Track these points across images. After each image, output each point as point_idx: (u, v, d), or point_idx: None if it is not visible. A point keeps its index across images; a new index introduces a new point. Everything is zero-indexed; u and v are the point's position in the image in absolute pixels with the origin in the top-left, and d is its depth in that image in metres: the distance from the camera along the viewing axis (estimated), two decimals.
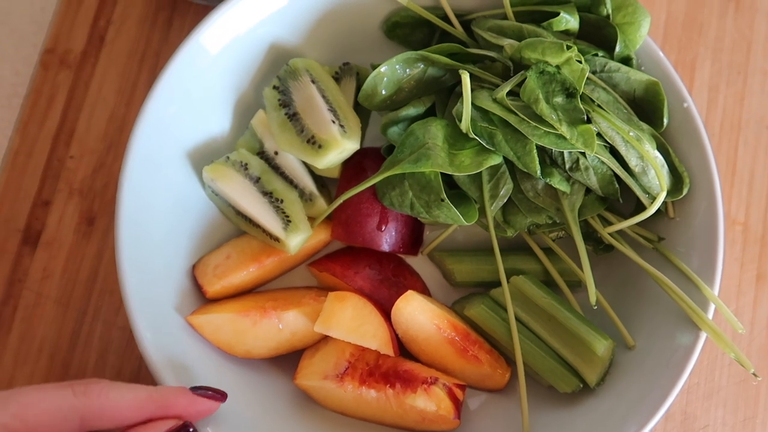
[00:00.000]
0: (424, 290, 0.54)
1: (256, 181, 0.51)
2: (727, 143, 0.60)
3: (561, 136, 0.46)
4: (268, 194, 0.51)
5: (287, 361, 0.51)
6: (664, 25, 0.62)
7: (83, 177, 0.58)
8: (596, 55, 0.48)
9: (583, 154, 0.48)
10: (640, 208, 0.49)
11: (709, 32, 0.62)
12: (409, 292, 0.49)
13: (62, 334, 0.56)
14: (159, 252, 0.49)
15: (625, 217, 0.50)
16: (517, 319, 0.50)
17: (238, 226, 0.53)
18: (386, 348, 0.48)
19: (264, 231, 0.51)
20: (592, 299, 0.47)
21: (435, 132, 0.48)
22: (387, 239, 0.52)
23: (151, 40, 0.61)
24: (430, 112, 0.52)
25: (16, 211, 0.58)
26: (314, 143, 0.49)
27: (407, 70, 0.51)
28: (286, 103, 0.51)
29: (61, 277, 0.57)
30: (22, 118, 0.60)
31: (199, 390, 0.40)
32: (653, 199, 0.48)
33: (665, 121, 0.48)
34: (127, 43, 0.61)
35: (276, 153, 0.53)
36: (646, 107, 0.49)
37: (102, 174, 0.59)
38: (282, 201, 0.51)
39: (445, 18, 0.53)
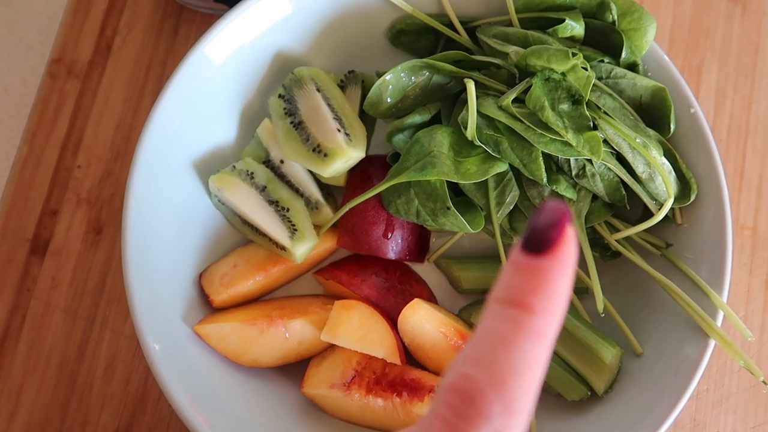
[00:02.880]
0: (430, 297, 0.54)
1: (262, 189, 0.51)
2: (735, 148, 0.60)
3: (567, 144, 0.45)
4: (274, 203, 0.51)
5: (294, 369, 0.51)
6: (670, 30, 0.61)
7: (91, 186, 0.59)
8: (602, 61, 0.48)
9: (590, 161, 0.48)
10: (647, 214, 0.49)
11: (716, 36, 0.61)
12: (416, 300, 0.49)
13: (70, 343, 0.56)
14: (166, 261, 0.49)
15: (632, 224, 0.50)
16: None
17: (244, 235, 0.53)
18: (393, 356, 0.48)
19: (270, 240, 0.51)
20: (600, 307, 0.47)
21: (440, 140, 0.48)
22: (393, 247, 0.52)
23: (157, 48, 0.61)
24: (435, 120, 0.52)
25: (24, 221, 0.58)
26: (320, 152, 0.50)
27: (412, 77, 0.51)
28: (291, 112, 0.51)
29: (69, 287, 0.57)
30: (29, 128, 0.60)
31: None
32: (660, 205, 0.47)
33: (672, 127, 0.48)
34: (133, 52, 0.61)
35: (282, 161, 0.53)
36: (653, 113, 0.49)
37: (109, 183, 0.59)
38: (288, 210, 0.51)
39: (450, 25, 0.53)
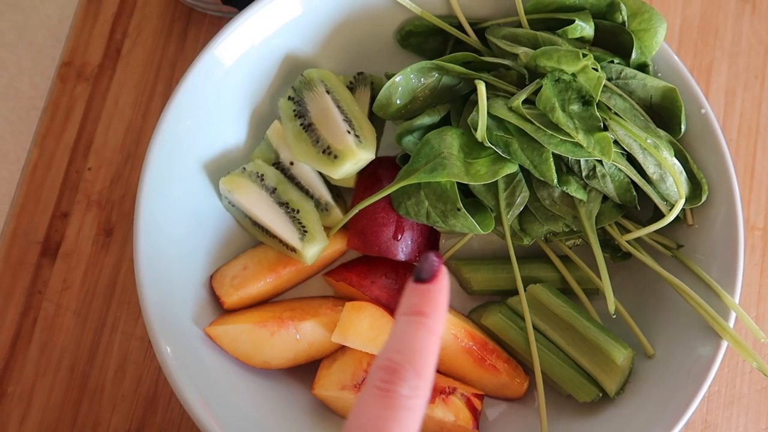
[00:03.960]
0: None
1: (272, 191, 0.52)
2: (745, 148, 0.60)
3: (578, 144, 0.45)
4: (284, 205, 0.51)
5: (305, 371, 0.51)
6: (679, 30, 0.61)
7: (101, 188, 0.59)
8: (612, 61, 0.48)
9: (600, 161, 0.48)
10: (658, 215, 0.49)
11: (725, 36, 0.61)
12: None
13: (82, 344, 0.56)
14: (177, 263, 0.49)
15: (642, 225, 0.50)
16: (535, 328, 0.49)
17: (254, 237, 0.53)
18: None
19: (281, 241, 0.51)
20: (611, 308, 0.46)
21: (450, 141, 0.48)
22: (403, 248, 0.52)
23: (166, 51, 0.62)
24: (444, 121, 0.52)
25: (35, 223, 0.58)
26: (330, 154, 0.50)
27: (422, 79, 0.51)
28: (301, 114, 0.51)
29: (80, 289, 0.57)
30: (40, 131, 0.60)
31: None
32: (671, 206, 0.47)
33: (683, 127, 0.48)
34: (143, 55, 0.61)
35: (291, 163, 0.53)
36: (663, 114, 0.48)
37: (120, 185, 0.59)
38: (298, 211, 0.51)
39: (459, 26, 0.53)
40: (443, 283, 0.34)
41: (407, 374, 0.32)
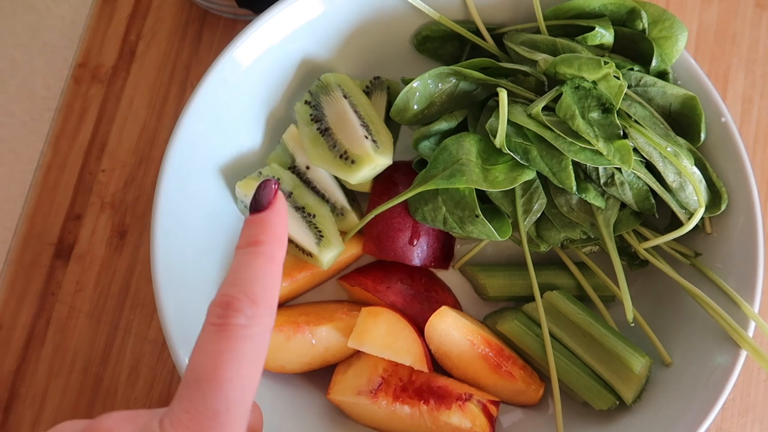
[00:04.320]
0: (455, 304, 0.54)
1: (288, 196, 0.51)
2: (762, 155, 0.60)
3: (597, 152, 0.45)
4: (300, 209, 0.51)
5: (320, 376, 0.51)
6: (695, 36, 0.61)
7: (115, 190, 0.59)
8: (632, 69, 0.48)
9: (619, 169, 0.47)
10: (676, 222, 0.49)
11: (742, 42, 0.61)
12: (443, 308, 0.49)
13: (95, 347, 0.56)
14: (192, 267, 0.49)
15: (660, 232, 0.50)
16: (551, 335, 0.49)
17: None
18: (420, 364, 0.48)
19: (297, 246, 0.51)
20: (629, 316, 0.46)
21: (468, 147, 0.48)
22: (418, 254, 0.51)
23: (180, 53, 0.61)
24: (461, 127, 0.52)
25: (48, 225, 0.58)
26: (347, 159, 0.49)
27: (439, 84, 0.51)
28: (318, 118, 0.51)
29: (94, 291, 0.57)
30: (54, 132, 0.60)
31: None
32: (690, 214, 0.47)
33: (702, 135, 0.48)
34: (157, 57, 0.61)
35: (307, 168, 0.53)
36: (683, 122, 0.48)
37: (133, 187, 0.59)
38: (314, 216, 0.51)
39: (477, 32, 0.52)
40: (279, 209, 0.33)
41: (241, 305, 0.30)
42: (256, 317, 0.31)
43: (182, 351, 0.46)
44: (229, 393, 0.29)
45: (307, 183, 0.53)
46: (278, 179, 0.34)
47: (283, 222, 0.34)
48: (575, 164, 0.47)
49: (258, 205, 0.33)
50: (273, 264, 0.32)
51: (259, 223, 0.33)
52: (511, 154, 0.47)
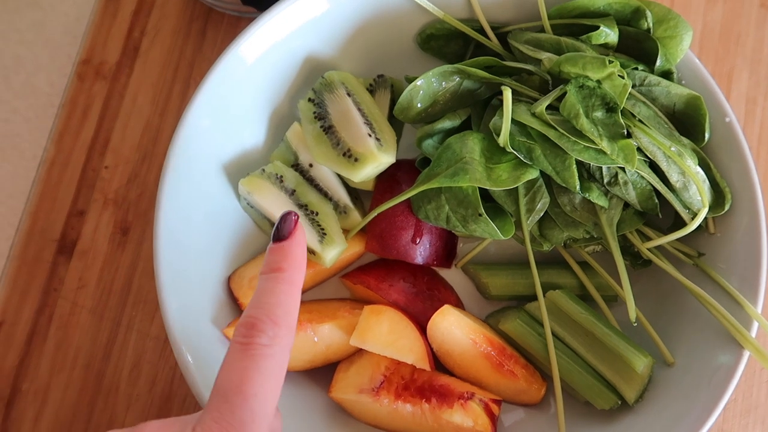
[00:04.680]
0: (458, 303, 0.54)
1: (291, 193, 0.51)
2: (766, 156, 0.59)
3: (601, 151, 0.45)
4: (303, 207, 0.51)
5: (322, 373, 0.51)
6: (700, 36, 0.61)
7: (118, 187, 0.59)
8: (636, 68, 0.48)
9: (622, 168, 0.47)
10: (679, 222, 0.49)
11: (747, 43, 0.61)
12: (446, 306, 0.49)
13: (97, 343, 0.56)
14: (195, 264, 0.49)
15: (663, 232, 0.50)
16: (554, 334, 0.49)
17: None
18: (422, 362, 0.48)
19: None
20: (632, 316, 0.46)
21: (472, 146, 0.48)
22: (421, 252, 0.51)
23: (184, 50, 0.61)
24: (465, 125, 0.52)
25: (51, 221, 0.58)
26: (350, 156, 0.49)
27: (443, 83, 0.50)
28: (321, 116, 0.51)
29: (96, 287, 0.57)
30: (57, 129, 0.60)
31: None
32: (694, 214, 0.47)
33: (706, 135, 0.48)
34: (161, 54, 0.61)
35: (311, 165, 0.53)
36: (687, 122, 0.48)
37: (136, 184, 0.59)
38: (317, 213, 0.51)
39: (481, 30, 0.52)
40: (299, 239, 0.37)
41: (264, 326, 0.34)
42: (278, 337, 0.34)
43: (184, 348, 0.46)
44: (254, 406, 0.33)
45: (310, 181, 0.53)
46: (297, 214, 0.39)
47: (303, 250, 0.37)
48: (579, 163, 0.47)
49: (280, 235, 0.37)
50: (293, 288, 0.36)
51: (281, 252, 0.37)
52: (515, 152, 0.47)
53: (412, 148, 0.55)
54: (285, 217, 0.38)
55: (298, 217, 0.38)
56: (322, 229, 0.50)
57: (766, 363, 0.44)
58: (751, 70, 0.61)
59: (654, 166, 0.47)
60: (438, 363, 0.51)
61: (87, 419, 0.55)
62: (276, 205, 0.51)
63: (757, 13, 0.61)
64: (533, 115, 0.47)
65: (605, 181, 0.48)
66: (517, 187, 0.49)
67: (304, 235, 0.38)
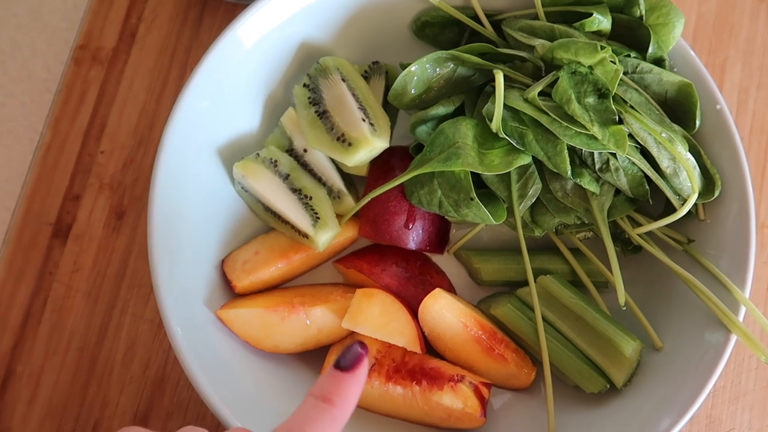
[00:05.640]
0: (450, 288, 0.54)
1: (286, 178, 0.52)
2: (757, 146, 0.60)
3: (592, 137, 0.46)
4: (297, 191, 0.52)
5: (314, 356, 0.52)
6: (694, 27, 0.61)
7: (113, 172, 0.59)
8: (628, 56, 0.48)
9: (614, 155, 0.48)
10: (669, 209, 0.49)
11: (740, 34, 0.61)
12: (437, 290, 0.49)
13: (91, 326, 0.57)
14: (189, 247, 0.49)
15: (654, 218, 0.50)
16: (544, 319, 0.50)
17: (266, 223, 0.53)
18: (413, 345, 0.49)
19: (293, 227, 0.51)
20: (621, 301, 0.47)
21: (465, 131, 0.48)
22: (414, 237, 0.52)
23: (181, 37, 0.62)
24: (459, 112, 0.52)
25: (47, 205, 0.59)
26: (344, 141, 0.50)
27: (437, 69, 0.51)
28: (316, 101, 0.51)
29: (91, 271, 0.58)
30: (53, 114, 0.60)
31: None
32: (684, 200, 0.48)
33: (697, 122, 0.48)
34: (158, 40, 0.61)
35: (305, 150, 0.53)
36: (678, 109, 0.49)
37: (132, 169, 0.59)
38: (311, 198, 0.51)
39: (475, 18, 0.53)
40: (360, 375, 0.35)
41: None
42: None
43: (178, 330, 0.46)
44: None
45: (305, 166, 0.53)
46: (367, 347, 0.36)
47: (360, 387, 0.35)
48: (570, 149, 0.48)
49: (342, 364, 0.35)
50: (335, 424, 0.34)
51: (337, 383, 0.35)
52: (507, 138, 0.48)
53: (406, 135, 0.55)
54: (352, 347, 0.35)
55: (367, 352, 0.35)
56: (316, 213, 0.51)
57: (752, 347, 0.45)
58: (744, 61, 0.61)
59: (645, 153, 0.48)
60: (429, 347, 0.51)
61: (80, 402, 0.56)
62: (270, 189, 0.51)
63: (751, 5, 0.62)
64: (526, 100, 0.47)
65: (597, 167, 0.48)
66: (509, 172, 0.49)
67: (365, 371, 0.35)
